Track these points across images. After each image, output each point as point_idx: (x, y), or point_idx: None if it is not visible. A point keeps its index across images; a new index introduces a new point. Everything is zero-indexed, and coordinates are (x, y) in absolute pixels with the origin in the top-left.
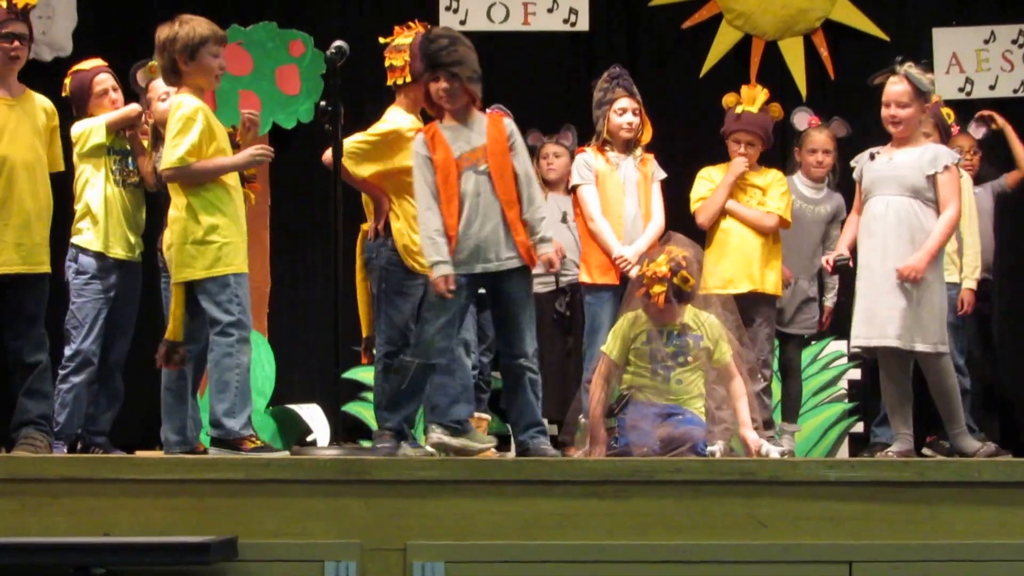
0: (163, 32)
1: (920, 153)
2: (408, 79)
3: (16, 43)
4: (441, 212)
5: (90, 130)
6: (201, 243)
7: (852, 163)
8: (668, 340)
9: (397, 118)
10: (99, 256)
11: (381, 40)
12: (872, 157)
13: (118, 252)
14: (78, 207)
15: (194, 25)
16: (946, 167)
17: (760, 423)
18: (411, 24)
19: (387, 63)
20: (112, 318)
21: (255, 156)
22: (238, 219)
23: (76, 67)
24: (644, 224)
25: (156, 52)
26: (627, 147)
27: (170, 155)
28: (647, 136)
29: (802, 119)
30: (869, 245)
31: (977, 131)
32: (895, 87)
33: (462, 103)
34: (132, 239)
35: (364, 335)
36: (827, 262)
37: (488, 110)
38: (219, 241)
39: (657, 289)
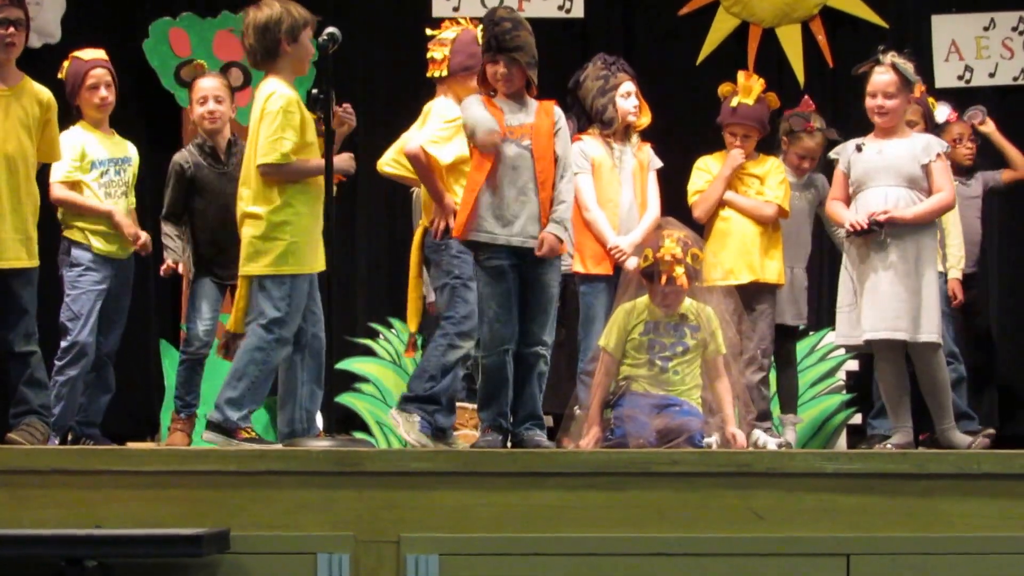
0: (262, 13)
1: (911, 142)
2: (445, 73)
3: (11, 29)
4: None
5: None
6: (269, 239)
7: (832, 154)
8: (666, 331)
9: (452, 106)
10: (91, 248)
11: (427, 31)
12: (859, 149)
13: (111, 249)
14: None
15: (291, 7)
16: (938, 155)
17: (757, 414)
18: (459, 20)
19: (428, 54)
20: (105, 310)
21: (348, 167)
22: (314, 216)
23: (77, 53)
24: (640, 214)
25: (252, 33)
26: (625, 133)
27: (271, 150)
28: (646, 120)
29: (798, 123)
30: (862, 240)
31: (974, 118)
32: (881, 77)
33: (517, 87)
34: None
35: (411, 331)
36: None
37: None
38: (287, 240)
39: (679, 271)
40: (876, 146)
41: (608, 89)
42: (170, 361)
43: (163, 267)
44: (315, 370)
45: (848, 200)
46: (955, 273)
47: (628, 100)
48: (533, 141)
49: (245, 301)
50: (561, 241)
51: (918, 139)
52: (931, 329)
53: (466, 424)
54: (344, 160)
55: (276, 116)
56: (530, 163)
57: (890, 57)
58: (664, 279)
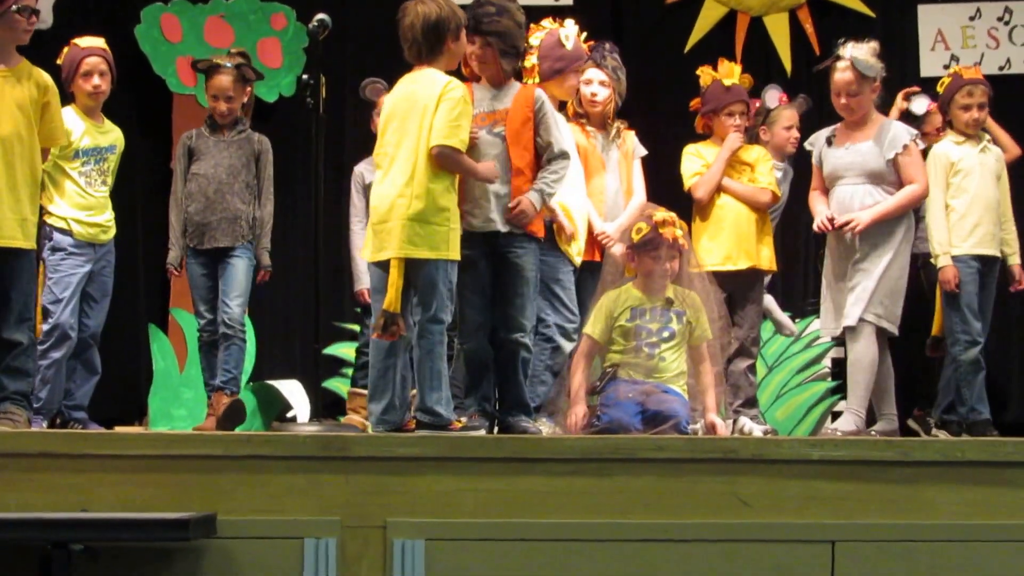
0: (431, 10)
1: (876, 137)
2: (538, 79)
3: (33, 18)
4: None
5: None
6: (430, 224)
7: (807, 144)
8: (653, 316)
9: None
10: (72, 233)
11: None
12: (829, 142)
13: (92, 234)
14: (48, 186)
15: (455, 7)
16: (905, 147)
17: (744, 400)
18: (543, 23)
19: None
20: (88, 293)
21: (492, 176)
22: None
23: (77, 40)
24: (625, 201)
25: (421, 29)
26: (601, 122)
27: (452, 135)
28: (607, 111)
29: (773, 97)
30: (837, 233)
31: None
32: (841, 76)
33: (490, 72)
34: (103, 223)
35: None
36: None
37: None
38: (448, 227)
39: (679, 232)
40: (845, 143)
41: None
42: (159, 346)
43: (168, 269)
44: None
45: (826, 191)
46: (1015, 259)
47: (588, 87)
48: (507, 127)
49: (402, 280)
50: (536, 208)
51: (885, 131)
52: (876, 312)
53: (358, 411)
54: (489, 169)
55: (457, 104)
56: (502, 149)
57: (850, 52)
58: (668, 240)
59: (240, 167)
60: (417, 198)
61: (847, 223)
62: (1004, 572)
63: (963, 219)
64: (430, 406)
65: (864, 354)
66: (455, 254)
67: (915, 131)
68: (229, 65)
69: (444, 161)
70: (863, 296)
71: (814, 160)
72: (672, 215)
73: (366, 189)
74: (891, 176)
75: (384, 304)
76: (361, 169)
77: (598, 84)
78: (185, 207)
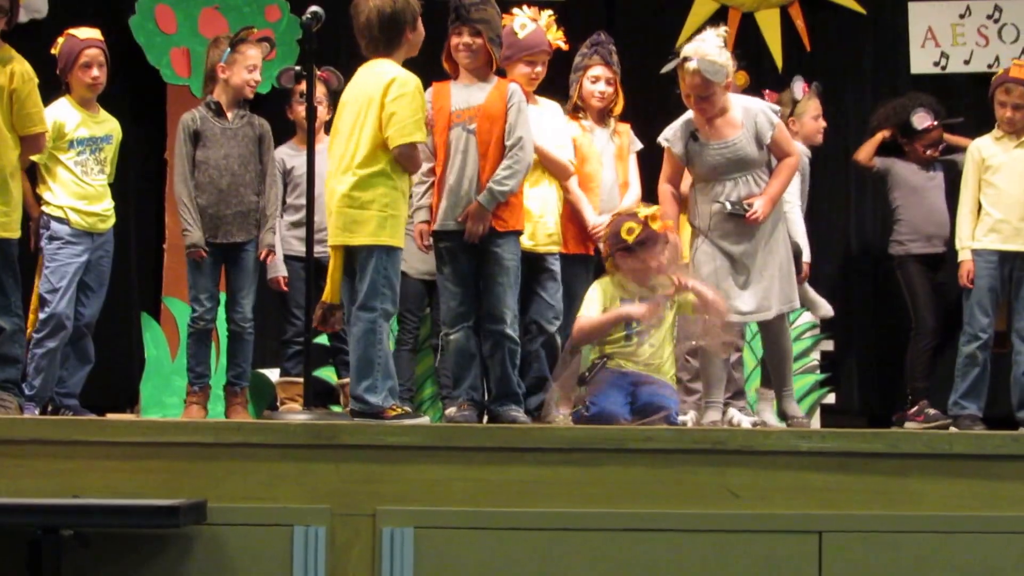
0: (386, 4)
1: (742, 124)
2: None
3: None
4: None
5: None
6: (368, 210)
7: (662, 140)
8: (643, 303)
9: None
10: (69, 223)
11: None
12: (695, 138)
13: (90, 223)
14: (45, 176)
15: None
16: (775, 125)
17: (732, 392)
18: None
19: None
20: (84, 282)
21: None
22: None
23: (73, 31)
24: (621, 195)
25: (378, 23)
26: (600, 116)
27: (415, 130)
28: (619, 107)
29: (799, 88)
30: (726, 229)
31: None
32: (689, 80)
33: (480, 63)
34: (101, 212)
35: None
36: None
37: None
38: (387, 212)
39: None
40: (714, 135)
41: (579, 68)
42: (151, 334)
43: (192, 252)
44: None
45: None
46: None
47: (595, 84)
48: (479, 123)
49: (340, 272)
50: (488, 209)
51: (748, 118)
52: (784, 299)
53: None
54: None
55: (414, 97)
56: (475, 145)
57: (693, 51)
58: (661, 234)
59: (248, 156)
60: (353, 186)
61: (752, 219)
62: (990, 564)
63: (987, 215)
64: (359, 394)
65: (787, 341)
66: (393, 240)
67: (775, 106)
68: (252, 40)
69: (405, 159)
70: (773, 287)
71: (676, 152)
72: (654, 207)
73: (285, 175)
74: (763, 158)
75: (323, 295)
76: (282, 155)
77: (604, 82)
78: (194, 196)
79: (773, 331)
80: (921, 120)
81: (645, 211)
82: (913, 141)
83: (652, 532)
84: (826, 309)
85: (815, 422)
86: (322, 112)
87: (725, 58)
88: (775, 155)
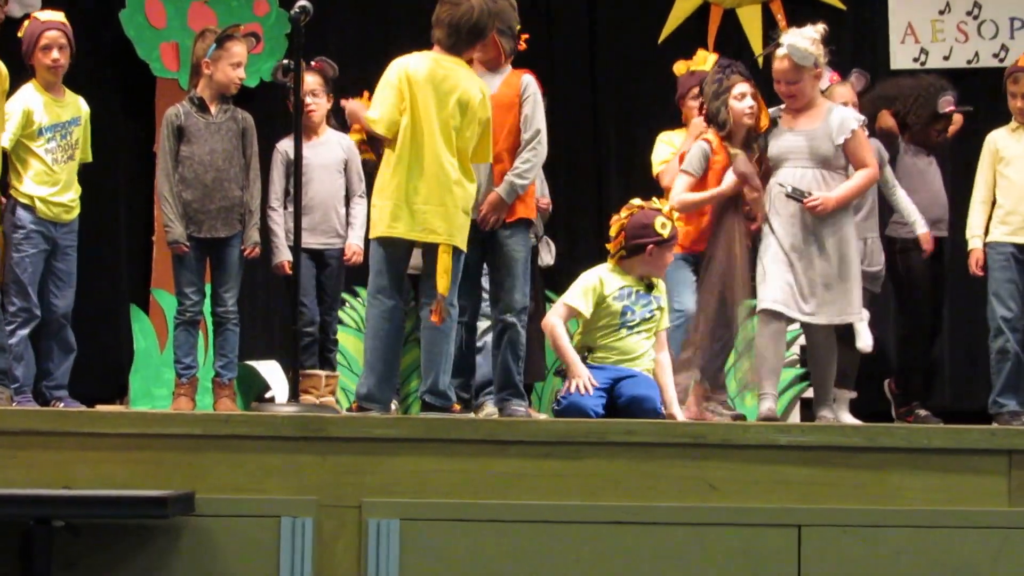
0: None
1: (824, 120)
2: None
3: None
4: None
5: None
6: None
7: (686, 167)
8: (639, 298)
9: None
10: (35, 211)
11: None
12: (775, 122)
13: (55, 212)
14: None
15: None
16: (853, 131)
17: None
18: None
19: None
20: (55, 273)
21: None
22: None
23: (36, 14)
24: None
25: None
26: (748, 137)
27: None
28: (764, 122)
29: (824, 77)
30: (785, 214)
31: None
32: (779, 64)
33: (490, 55)
34: (67, 202)
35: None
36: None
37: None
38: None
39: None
40: (790, 124)
41: (721, 92)
42: (140, 326)
43: (174, 247)
44: None
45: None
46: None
47: (743, 101)
48: (491, 113)
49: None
50: (507, 202)
51: (833, 115)
52: (856, 310)
53: (313, 391)
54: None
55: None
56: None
57: (787, 41)
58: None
59: (232, 150)
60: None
61: (816, 208)
62: (967, 558)
63: (999, 207)
64: (442, 390)
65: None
66: (382, 231)
67: (862, 116)
68: (239, 36)
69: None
70: (847, 298)
71: (695, 173)
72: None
73: (287, 166)
74: (838, 161)
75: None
76: (285, 147)
77: (751, 97)
78: (179, 191)
79: (832, 340)
80: (946, 104)
81: (667, 205)
82: (930, 124)
83: (633, 525)
84: (865, 341)
85: (794, 416)
86: (322, 103)
87: (816, 48)
88: (851, 163)
